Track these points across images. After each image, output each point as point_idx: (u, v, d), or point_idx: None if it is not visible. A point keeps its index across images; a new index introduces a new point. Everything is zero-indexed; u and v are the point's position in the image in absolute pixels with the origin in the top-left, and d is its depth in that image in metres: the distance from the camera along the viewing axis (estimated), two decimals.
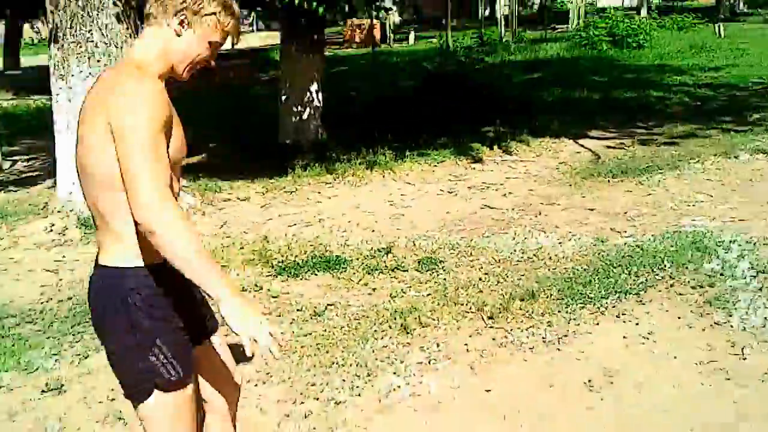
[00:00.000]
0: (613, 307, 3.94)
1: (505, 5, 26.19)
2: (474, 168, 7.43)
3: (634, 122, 9.28)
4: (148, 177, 1.73)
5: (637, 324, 3.76)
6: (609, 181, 6.53)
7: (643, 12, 27.89)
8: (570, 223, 5.45)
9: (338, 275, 4.73)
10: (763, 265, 4.24)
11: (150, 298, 1.90)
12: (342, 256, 5.02)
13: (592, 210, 5.76)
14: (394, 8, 26.84)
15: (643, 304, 3.95)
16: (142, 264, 1.90)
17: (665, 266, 4.35)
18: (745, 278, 4.10)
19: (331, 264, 4.88)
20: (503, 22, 24.86)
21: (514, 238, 5.17)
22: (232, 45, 2.12)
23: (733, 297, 3.88)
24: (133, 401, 1.98)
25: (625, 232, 5.16)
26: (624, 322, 3.80)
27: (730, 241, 4.65)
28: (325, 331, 3.94)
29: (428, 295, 4.31)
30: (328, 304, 4.28)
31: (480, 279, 4.46)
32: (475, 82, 10.87)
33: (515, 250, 4.91)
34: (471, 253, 4.92)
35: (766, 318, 3.63)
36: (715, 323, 3.66)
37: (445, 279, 4.52)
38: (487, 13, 29.37)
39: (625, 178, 6.56)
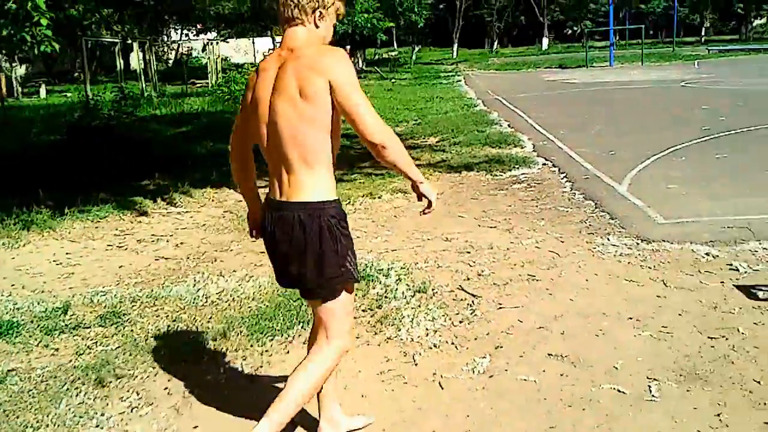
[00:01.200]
0: (299, 336, 4.31)
1: (140, 60, 25.99)
2: (140, 221, 7.40)
3: None
4: (369, 110, 2.56)
5: None
6: None
7: None
8: (246, 266, 5.75)
9: (12, 340, 4.46)
10: (418, 286, 4.96)
11: (343, 222, 2.74)
12: (13, 321, 4.73)
13: (263, 252, 6.09)
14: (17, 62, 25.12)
15: None
16: (334, 198, 2.72)
17: None
18: (405, 298, 4.77)
19: (2, 330, 4.58)
20: (143, 77, 24.64)
21: (194, 285, 5.32)
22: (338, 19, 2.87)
23: (399, 314, 4.50)
24: (326, 297, 2.78)
25: None
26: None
27: (388, 268, 5.34)
28: (11, 397, 3.73)
29: (118, 347, 4.28)
30: (8, 371, 4.03)
31: (169, 326, 4.54)
32: (125, 135, 10.76)
33: (198, 296, 5.07)
34: (154, 304, 4.97)
35: (426, 329, 4.29)
36: (388, 338, 4.22)
37: (132, 330, 4.52)
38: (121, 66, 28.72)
39: None
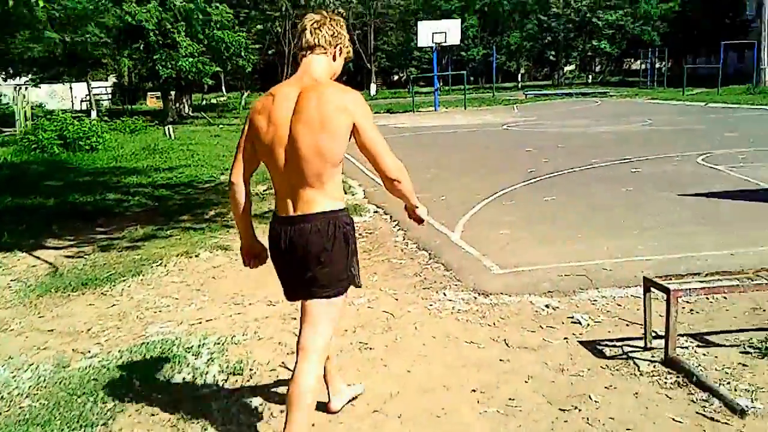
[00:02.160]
0: None
1: None
2: None
3: (94, 227, 8.91)
4: (388, 151, 2.91)
5: None
6: (69, 295, 5.98)
7: (93, 115, 27.91)
8: (27, 350, 4.77)
9: None
10: (233, 366, 4.24)
11: (353, 229, 3.01)
12: None
13: (51, 331, 5.16)
14: None
15: None
16: (344, 207, 3.00)
17: (135, 385, 4.04)
18: (217, 383, 4.03)
19: None
20: None
21: None
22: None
23: (208, 407, 3.75)
24: (330, 296, 2.97)
25: (89, 351, 4.70)
26: None
27: (199, 345, 4.58)
28: None
29: None
30: None
31: None
32: None
33: None
34: None
35: (240, 423, 3.57)
36: None
37: None
38: None
39: (86, 290, 6.10)
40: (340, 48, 3.03)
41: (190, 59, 30.41)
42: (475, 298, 5.49)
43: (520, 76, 62.08)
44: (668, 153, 13.21)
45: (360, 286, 3.12)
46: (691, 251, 6.35)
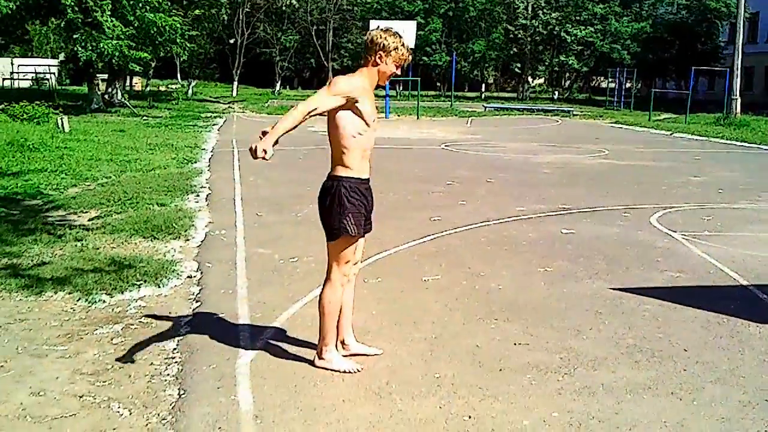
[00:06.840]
0: None
1: None
2: None
3: None
4: (300, 105, 4.12)
5: None
6: None
7: None
8: None
9: None
10: None
11: (353, 193, 4.21)
12: None
13: None
14: None
15: None
16: (350, 176, 4.21)
17: None
18: None
19: None
20: None
21: None
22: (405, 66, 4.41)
23: None
24: (330, 240, 4.26)
25: None
26: None
27: None
28: None
29: None
30: None
31: None
32: None
33: None
34: None
35: None
36: None
37: None
38: None
39: None
40: (380, 55, 4.20)
41: (113, 42, 27.16)
42: None
43: (484, 86, 59.56)
44: (617, 203, 10.55)
45: (354, 235, 4.21)
46: None
